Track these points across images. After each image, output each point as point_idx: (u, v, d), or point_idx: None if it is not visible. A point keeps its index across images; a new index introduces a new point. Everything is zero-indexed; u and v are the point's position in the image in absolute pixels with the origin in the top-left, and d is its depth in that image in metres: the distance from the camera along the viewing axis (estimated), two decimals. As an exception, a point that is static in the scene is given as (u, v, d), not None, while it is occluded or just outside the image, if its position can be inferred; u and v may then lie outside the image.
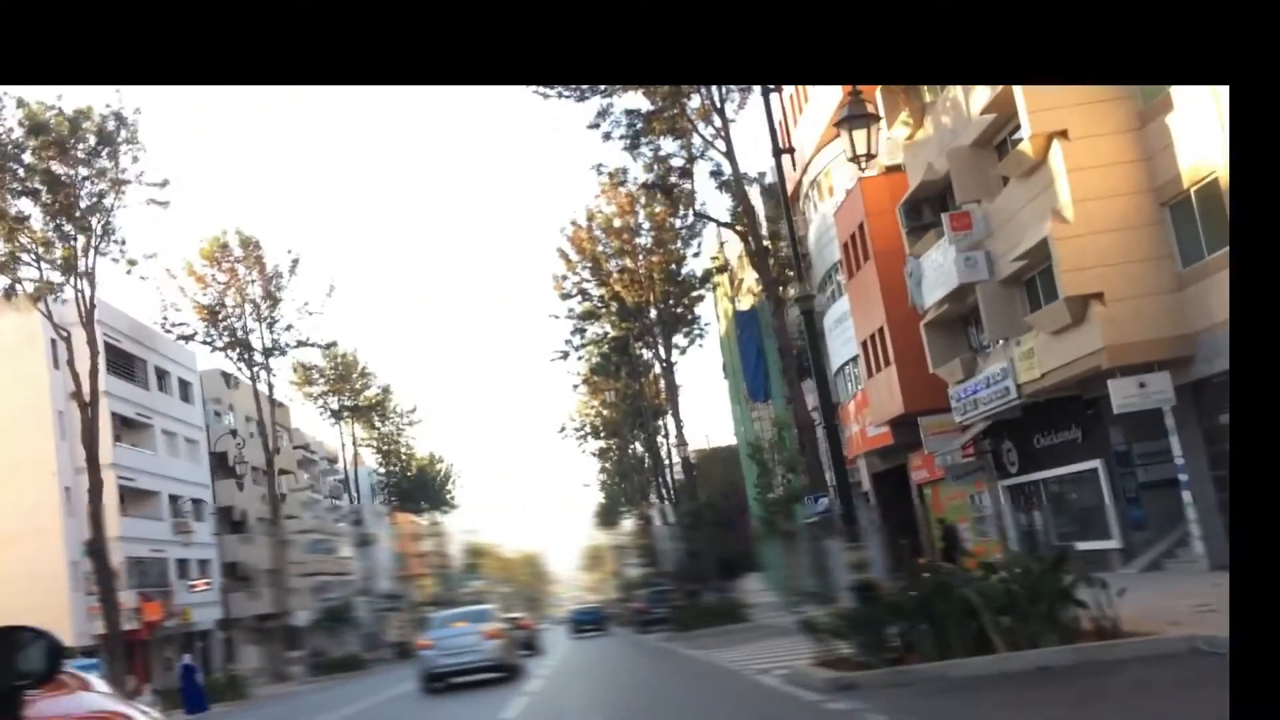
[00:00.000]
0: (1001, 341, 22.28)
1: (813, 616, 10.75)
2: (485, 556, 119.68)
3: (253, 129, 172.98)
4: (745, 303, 45.10)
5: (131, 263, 31.97)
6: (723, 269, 41.99)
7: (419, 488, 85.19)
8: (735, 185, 25.68)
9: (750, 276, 44.63)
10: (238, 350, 44.13)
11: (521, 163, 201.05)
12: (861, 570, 10.50)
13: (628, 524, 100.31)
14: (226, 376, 52.15)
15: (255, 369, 44.97)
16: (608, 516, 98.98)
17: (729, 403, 54.22)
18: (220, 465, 53.47)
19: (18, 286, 29.99)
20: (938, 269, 23.86)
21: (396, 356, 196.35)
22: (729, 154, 26.10)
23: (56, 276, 30.61)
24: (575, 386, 52.16)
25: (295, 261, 44.87)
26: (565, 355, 45.98)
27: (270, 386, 45.54)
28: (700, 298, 44.27)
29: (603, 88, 25.73)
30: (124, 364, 42.96)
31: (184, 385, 48.93)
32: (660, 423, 56.82)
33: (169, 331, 44.36)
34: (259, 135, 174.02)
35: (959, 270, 22.35)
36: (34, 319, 38.92)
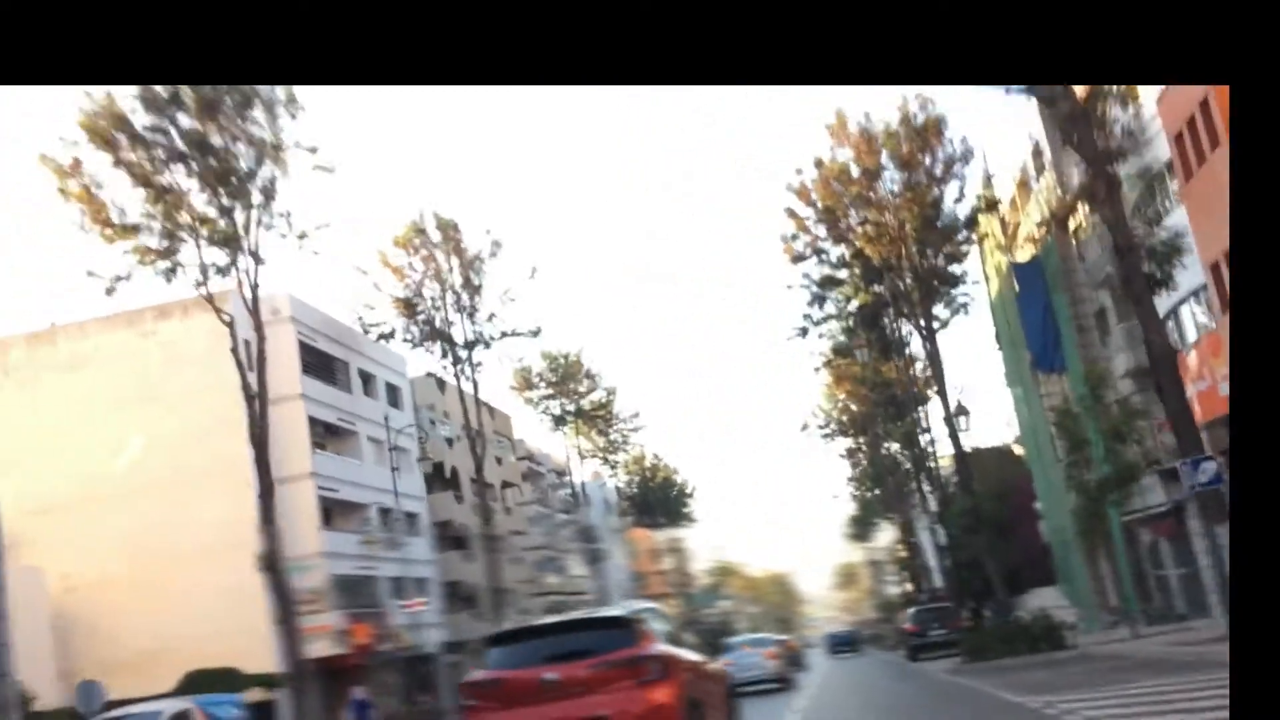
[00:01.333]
0: None
1: None
2: (731, 575, 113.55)
3: (434, 115, 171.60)
4: (1024, 253, 36.76)
5: (301, 236, 28.04)
6: (992, 206, 33.98)
7: (658, 501, 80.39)
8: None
9: (1029, 222, 36.29)
10: (439, 344, 40.12)
11: (739, 118, 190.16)
12: None
13: (883, 536, 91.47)
14: (440, 382, 48.66)
15: (459, 365, 40.83)
16: (860, 528, 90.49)
17: (1004, 386, 45.59)
18: (438, 476, 50.12)
19: (179, 270, 26.53)
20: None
21: (611, 354, 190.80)
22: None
23: (220, 258, 26.99)
24: (816, 370, 45.01)
25: (496, 244, 40.56)
26: (804, 332, 39.03)
27: (475, 385, 41.29)
28: (964, 251, 36.31)
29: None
30: (323, 366, 39.88)
31: (392, 390, 45.69)
32: (919, 412, 48.76)
33: (367, 331, 41.02)
34: (442, 122, 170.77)
35: None
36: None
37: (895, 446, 60.48)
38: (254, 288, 27.10)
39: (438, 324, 40.39)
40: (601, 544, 75.46)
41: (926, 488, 53.64)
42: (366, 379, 43.53)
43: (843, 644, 64.34)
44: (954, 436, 34.10)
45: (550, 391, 60.80)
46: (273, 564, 24.94)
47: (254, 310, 26.98)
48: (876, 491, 71.54)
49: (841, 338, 44.52)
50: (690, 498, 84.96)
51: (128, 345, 36.63)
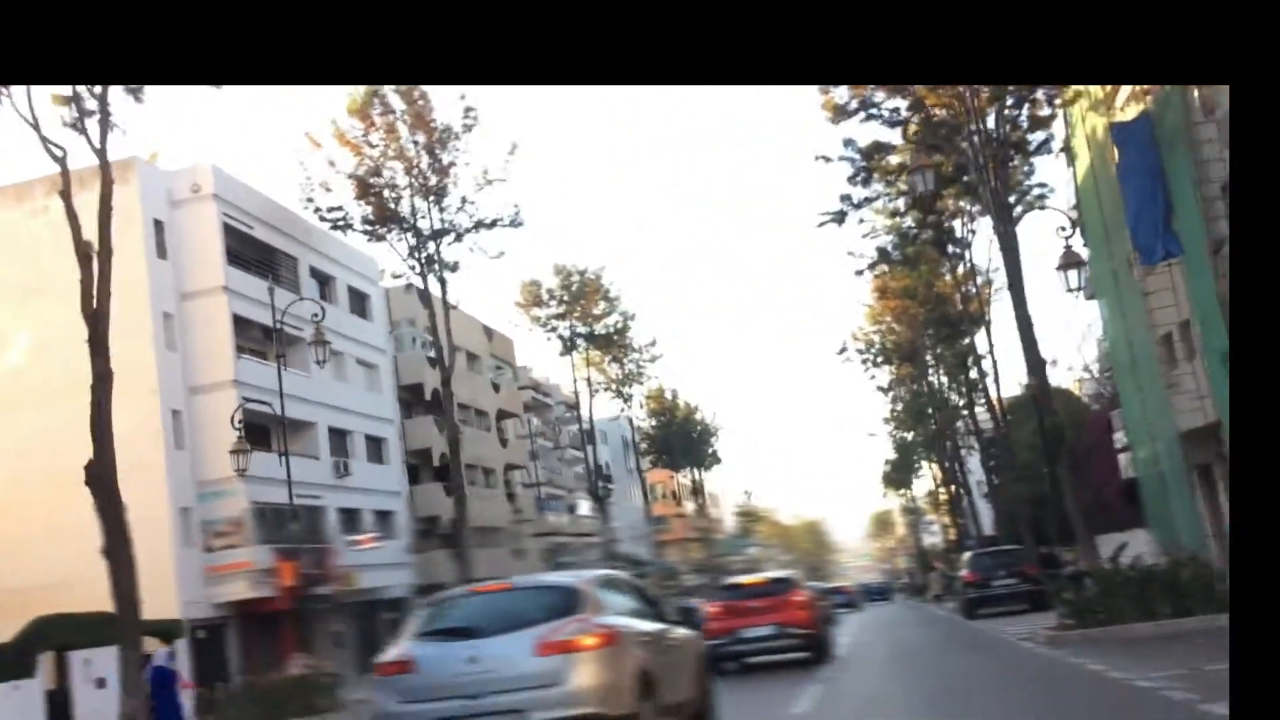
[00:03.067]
0: None
1: None
2: (759, 521, 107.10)
3: None
4: (1129, 115, 29.08)
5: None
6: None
7: (678, 440, 73.38)
8: None
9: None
10: (402, 235, 33.29)
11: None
12: None
13: (924, 481, 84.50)
14: (422, 294, 41.95)
15: (427, 262, 33.98)
16: (899, 471, 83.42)
17: (1083, 297, 38.11)
18: (418, 400, 43.61)
19: None
20: None
21: (621, 271, 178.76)
22: None
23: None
24: (858, 273, 37.42)
25: (470, 112, 33.40)
26: (841, 217, 31.46)
27: (443, 284, 34.44)
28: (1049, 115, 28.78)
29: None
30: (262, 259, 33.16)
31: (358, 296, 38.97)
32: (979, 334, 41.49)
33: (324, 219, 34.22)
34: None
35: None
36: (131, 194, 29.58)
37: (943, 381, 53.39)
38: (105, 115, 20.02)
39: (401, 211, 33.51)
40: (614, 484, 68.95)
41: (983, 417, 46.55)
42: (324, 280, 36.82)
43: (876, 594, 69.53)
44: (1028, 337, 26.78)
45: (560, 310, 53.49)
46: (100, 477, 18.32)
47: (100, 150, 19.88)
48: (917, 429, 64.46)
49: (886, 237, 37.08)
50: (714, 436, 78.05)
51: (14, 226, 30.08)
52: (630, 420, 68.10)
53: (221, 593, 28.70)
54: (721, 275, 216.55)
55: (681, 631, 9.42)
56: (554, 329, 52.62)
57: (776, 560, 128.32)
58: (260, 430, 32.84)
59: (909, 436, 71.29)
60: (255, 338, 32.85)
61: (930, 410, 56.21)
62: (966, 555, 29.31)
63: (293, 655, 30.14)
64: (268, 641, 31.40)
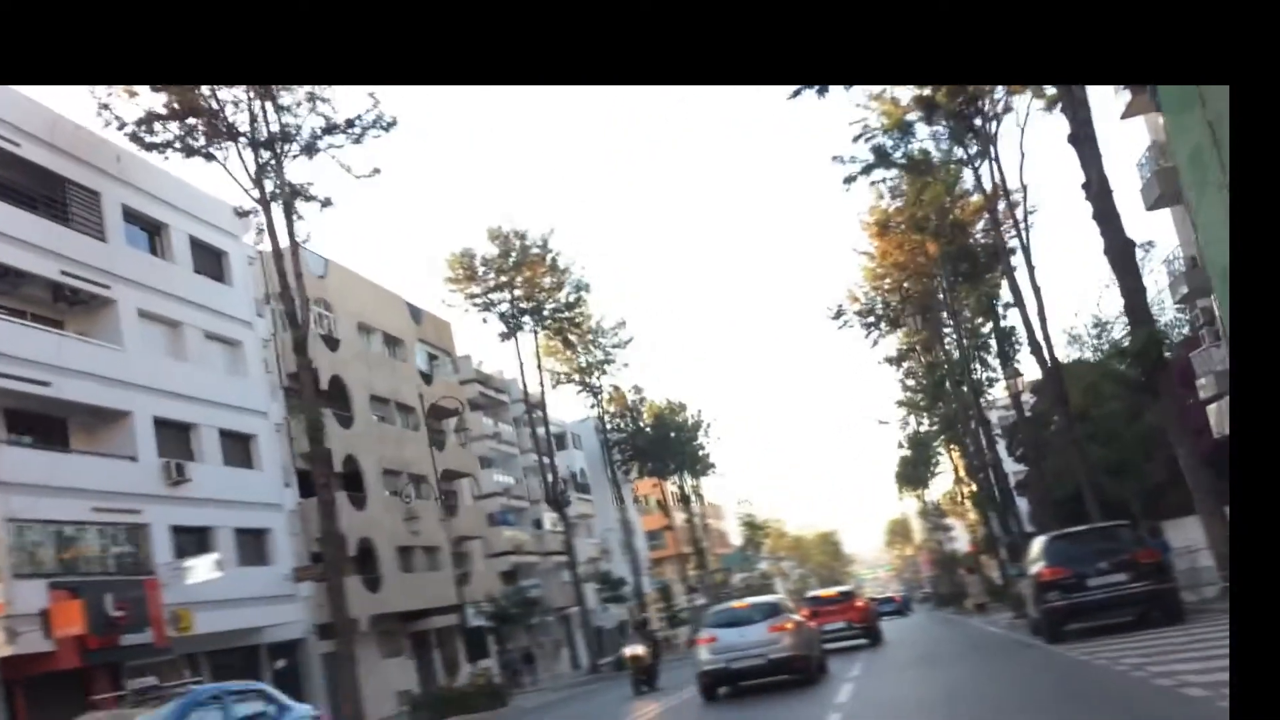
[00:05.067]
0: None
1: None
2: (762, 532, 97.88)
3: None
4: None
5: None
6: None
7: (651, 444, 63.96)
8: None
9: None
10: (224, 145, 24.73)
11: None
12: None
13: (944, 477, 75.50)
14: (275, 253, 32.89)
15: (274, 187, 25.37)
16: (916, 468, 74.40)
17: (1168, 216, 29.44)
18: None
19: None
20: None
21: (577, 238, 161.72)
22: None
23: None
24: (849, 180, 28.13)
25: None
26: (822, 88, 22.87)
27: (290, 210, 25.75)
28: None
29: None
30: (44, 190, 24.48)
31: (207, 253, 30.16)
32: (1011, 269, 32.75)
33: (138, 141, 25.74)
34: None
35: None
36: None
37: (965, 343, 44.52)
38: None
39: (233, 122, 24.96)
40: (587, 495, 60.10)
41: (1023, 376, 37.78)
42: (151, 228, 28.10)
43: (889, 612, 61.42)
44: (1106, 207, 18.17)
45: (499, 282, 44.48)
46: None
47: None
48: (934, 410, 55.50)
49: (882, 134, 28.35)
50: (703, 436, 68.81)
51: None
52: (603, 419, 59.18)
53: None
54: (692, 244, 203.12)
55: (810, 623, 20.12)
56: (490, 306, 43.73)
57: (790, 576, 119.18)
58: (51, 422, 24.23)
59: (924, 424, 62.46)
60: (34, 297, 24.21)
61: (947, 384, 47.38)
62: (1039, 542, 19.88)
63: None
64: (68, 714, 22.60)
